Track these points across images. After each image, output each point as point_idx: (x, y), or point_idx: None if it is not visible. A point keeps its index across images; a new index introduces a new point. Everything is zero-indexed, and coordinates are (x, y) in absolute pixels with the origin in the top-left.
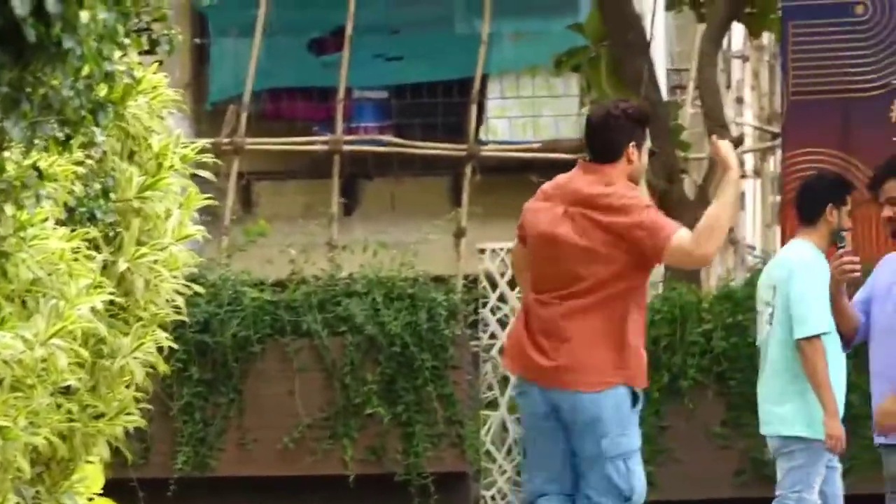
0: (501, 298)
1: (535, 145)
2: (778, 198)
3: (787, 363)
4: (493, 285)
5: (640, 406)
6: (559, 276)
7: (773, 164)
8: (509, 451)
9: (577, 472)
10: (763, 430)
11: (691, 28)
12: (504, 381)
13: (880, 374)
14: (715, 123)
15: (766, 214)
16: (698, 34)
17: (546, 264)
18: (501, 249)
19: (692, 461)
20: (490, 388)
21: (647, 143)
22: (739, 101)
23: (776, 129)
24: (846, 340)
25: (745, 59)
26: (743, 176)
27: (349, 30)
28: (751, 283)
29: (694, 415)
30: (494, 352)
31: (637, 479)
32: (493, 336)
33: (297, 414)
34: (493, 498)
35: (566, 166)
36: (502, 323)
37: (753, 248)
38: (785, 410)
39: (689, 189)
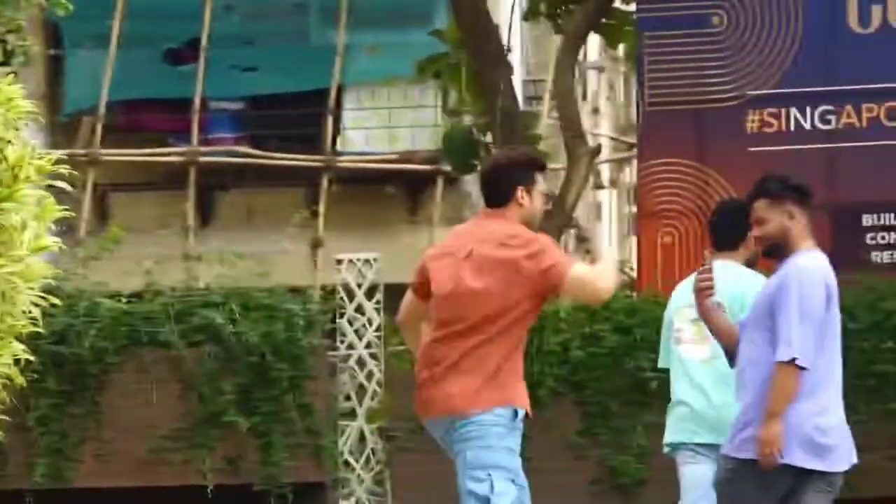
0: (359, 309)
1: (392, 156)
2: (634, 208)
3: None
4: (351, 296)
5: (517, 427)
6: (460, 314)
7: (629, 174)
8: (367, 461)
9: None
10: None
11: (547, 39)
12: (361, 390)
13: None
14: (572, 134)
15: (623, 225)
16: (554, 45)
17: (450, 306)
18: (359, 260)
19: (549, 470)
20: (348, 397)
21: (542, 187)
22: (595, 111)
23: (632, 139)
24: (730, 356)
25: (600, 70)
26: (600, 186)
27: (205, 41)
28: None
29: (551, 424)
30: (352, 362)
31: (504, 498)
32: (350, 346)
33: (155, 425)
34: None
35: (422, 178)
36: (359, 333)
37: None
38: None
39: None
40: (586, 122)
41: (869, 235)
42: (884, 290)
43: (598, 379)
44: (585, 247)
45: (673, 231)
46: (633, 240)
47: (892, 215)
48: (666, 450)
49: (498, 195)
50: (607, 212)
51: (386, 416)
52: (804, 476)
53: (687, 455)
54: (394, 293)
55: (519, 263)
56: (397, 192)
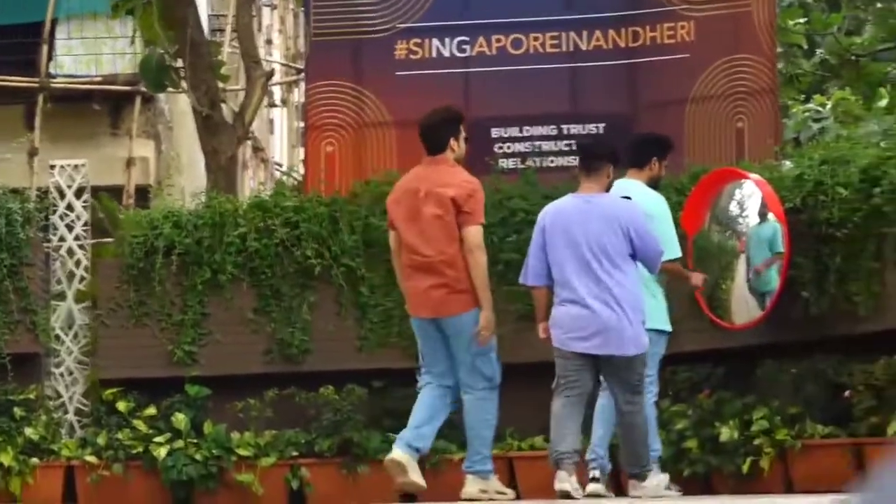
0: (69, 207)
1: (97, 78)
2: (302, 123)
3: None
4: (62, 196)
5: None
6: (432, 239)
7: (297, 95)
8: (76, 335)
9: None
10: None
11: None
12: (70, 275)
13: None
14: (250, 60)
15: (292, 137)
16: None
17: (419, 233)
18: (69, 166)
19: (230, 342)
20: (59, 282)
21: (463, 134)
22: (269, 42)
23: (299, 66)
24: None
25: (273, 7)
26: (273, 105)
27: None
28: (279, 194)
29: (231, 304)
30: (63, 251)
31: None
32: (62, 238)
33: None
34: (61, 374)
35: (122, 96)
36: (69, 227)
37: (280, 165)
38: None
39: (227, 114)
40: (261, 51)
41: (497, 145)
42: (509, 190)
43: (270, 265)
44: (261, 156)
45: (334, 141)
46: (301, 150)
47: (517, 129)
48: None
49: (438, 146)
50: (279, 126)
51: (91, 296)
52: None
53: None
54: (99, 194)
55: (462, 203)
56: (102, 108)
